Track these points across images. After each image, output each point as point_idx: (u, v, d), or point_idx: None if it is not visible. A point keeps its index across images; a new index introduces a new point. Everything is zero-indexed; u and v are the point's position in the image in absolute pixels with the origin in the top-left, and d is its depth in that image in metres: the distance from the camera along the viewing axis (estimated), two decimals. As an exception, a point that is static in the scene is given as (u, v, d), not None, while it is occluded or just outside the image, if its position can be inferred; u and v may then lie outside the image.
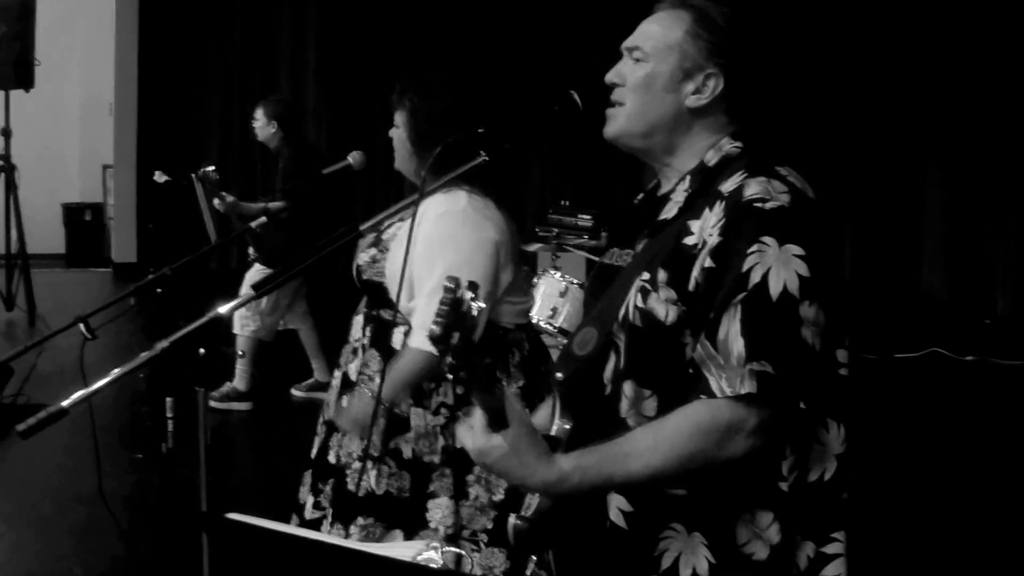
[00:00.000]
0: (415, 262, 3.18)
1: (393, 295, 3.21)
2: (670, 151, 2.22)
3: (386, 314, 3.34)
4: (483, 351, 1.79)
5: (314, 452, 3.51)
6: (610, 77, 2.24)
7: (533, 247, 7.75)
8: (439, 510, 3.25)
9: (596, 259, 7.40)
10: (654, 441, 1.96)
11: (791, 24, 9.27)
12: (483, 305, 1.74)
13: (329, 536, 3.16)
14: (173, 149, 10.95)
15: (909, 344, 8.47)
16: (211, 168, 6.96)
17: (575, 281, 6.02)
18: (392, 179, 7.80)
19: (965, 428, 6.83)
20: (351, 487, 3.30)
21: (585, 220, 8.76)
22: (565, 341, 6.40)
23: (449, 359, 1.74)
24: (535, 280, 6.25)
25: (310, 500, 3.44)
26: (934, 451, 6.29)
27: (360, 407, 3.26)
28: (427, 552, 1.83)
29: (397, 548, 1.94)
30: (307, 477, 3.52)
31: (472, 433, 1.95)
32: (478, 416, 1.93)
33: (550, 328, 5.81)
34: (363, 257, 3.35)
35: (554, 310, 5.92)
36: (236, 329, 6.91)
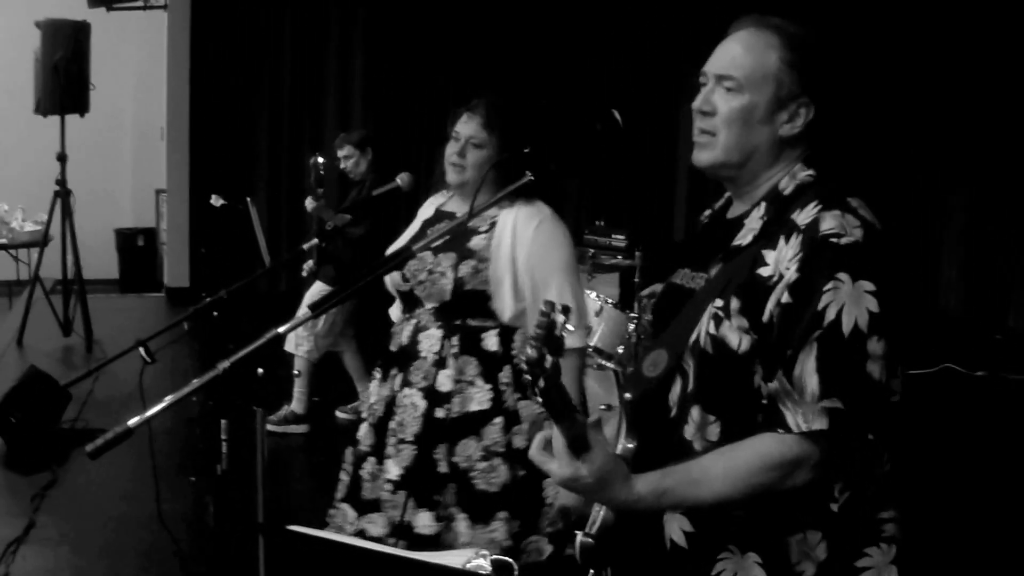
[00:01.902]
0: (528, 269, 3.46)
1: (498, 300, 3.49)
2: (755, 178, 2.24)
3: (474, 321, 3.52)
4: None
5: (398, 472, 3.55)
6: (700, 105, 2.22)
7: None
8: (554, 487, 3.44)
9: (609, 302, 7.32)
10: (724, 471, 2.03)
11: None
12: (572, 328, 1.80)
13: (384, 546, 3.22)
14: (225, 174, 11.05)
15: (923, 360, 8.45)
16: (322, 160, 7.00)
17: (610, 301, 6.04)
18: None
19: (976, 442, 6.88)
20: (483, 487, 3.47)
21: (619, 240, 8.80)
22: (600, 360, 6.41)
23: (541, 382, 1.80)
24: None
25: (425, 515, 3.51)
26: (946, 465, 6.31)
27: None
28: (476, 560, 1.87)
29: (447, 556, 1.99)
30: (400, 497, 3.54)
31: (556, 461, 2.00)
32: (559, 441, 1.98)
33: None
34: (463, 269, 3.49)
35: (588, 329, 5.94)
36: (290, 348, 6.94)
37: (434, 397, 3.51)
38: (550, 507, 3.49)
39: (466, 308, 3.51)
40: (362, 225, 6.55)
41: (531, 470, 3.40)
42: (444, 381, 3.50)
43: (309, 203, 6.98)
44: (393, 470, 3.56)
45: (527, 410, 3.50)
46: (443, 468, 3.49)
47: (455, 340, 3.51)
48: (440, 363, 3.51)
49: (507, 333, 3.53)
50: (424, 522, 3.50)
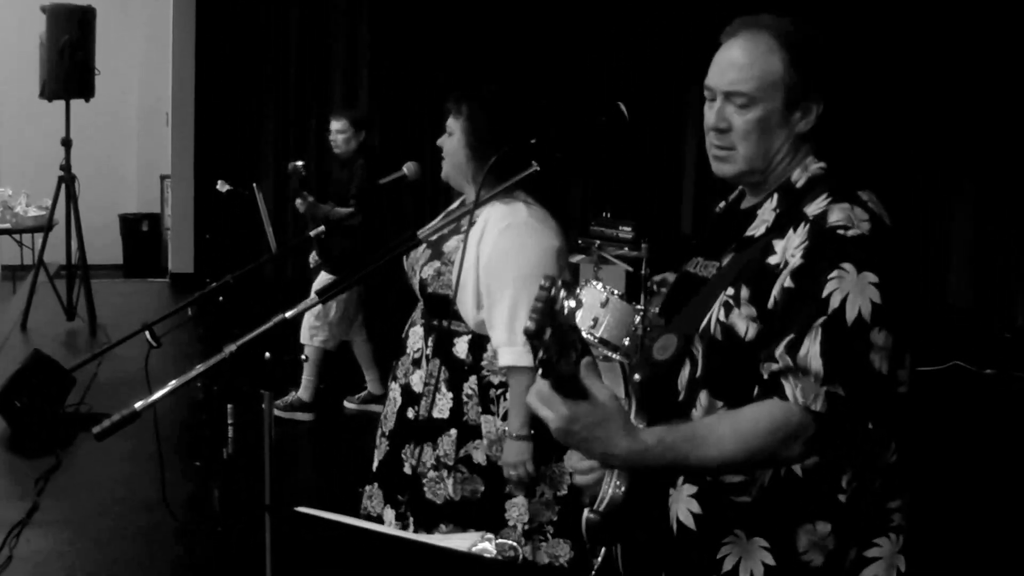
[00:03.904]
0: (486, 275, 3.31)
1: (461, 306, 3.34)
2: (774, 173, 2.25)
3: (450, 324, 3.42)
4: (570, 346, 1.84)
5: (376, 464, 3.58)
6: (715, 123, 2.22)
7: (575, 258, 7.80)
8: (516, 509, 3.39)
9: (630, 269, 7.30)
10: (731, 431, 2.04)
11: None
12: (572, 305, 1.80)
13: (391, 528, 3.24)
14: (230, 160, 11.07)
15: (931, 357, 8.45)
16: (300, 164, 6.97)
17: (616, 292, 6.04)
18: (442, 188, 7.91)
19: (984, 439, 6.91)
20: (429, 496, 3.40)
21: (625, 232, 8.82)
22: (606, 351, 6.37)
23: (541, 354, 1.78)
24: (577, 291, 6.25)
25: (390, 512, 3.50)
26: (954, 462, 6.32)
27: (514, 454, 3.33)
28: (481, 543, 1.88)
29: (452, 539, 2.00)
30: (374, 490, 3.58)
31: (550, 403, 1.91)
32: (545, 385, 1.90)
33: (591, 338, 5.80)
34: (427, 271, 3.41)
35: (595, 320, 5.91)
36: (304, 339, 6.93)
37: (409, 396, 3.48)
38: (512, 529, 3.38)
39: (440, 309, 3.42)
40: (359, 215, 6.52)
41: (491, 488, 3.35)
42: (416, 381, 3.46)
43: (300, 205, 6.96)
44: (375, 462, 3.58)
45: (489, 425, 3.38)
46: (407, 469, 3.45)
47: (431, 340, 3.44)
48: (417, 362, 3.47)
49: (478, 340, 3.40)
50: (388, 518, 3.49)
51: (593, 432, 1.94)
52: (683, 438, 2.04)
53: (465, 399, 3.39)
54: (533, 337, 1.77)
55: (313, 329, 6.91)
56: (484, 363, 3.39)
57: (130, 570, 4.88)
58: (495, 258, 3.31)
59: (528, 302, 3.22)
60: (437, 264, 3.40)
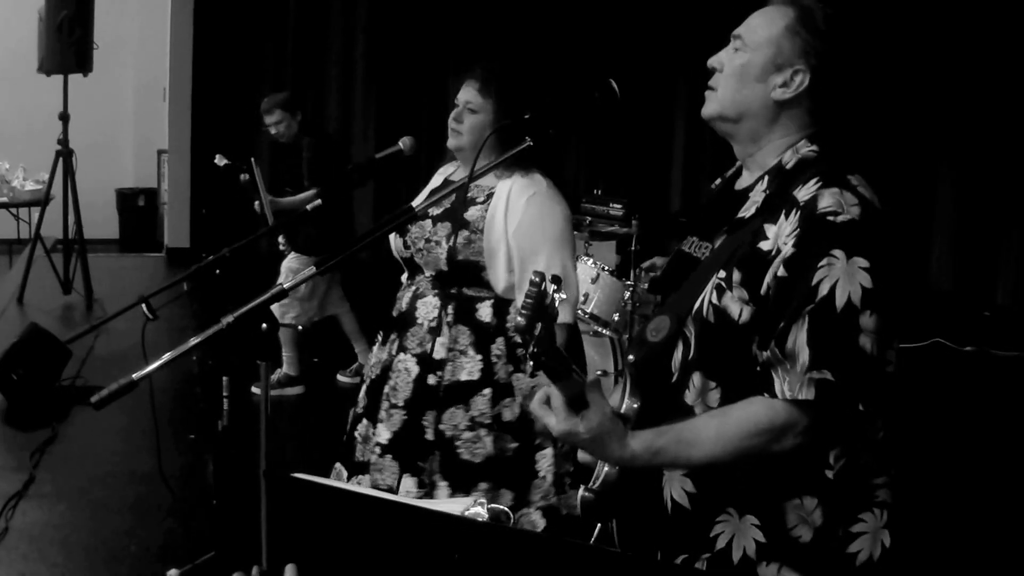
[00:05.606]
0: (517, 240, 3.46)
1: (492, 272, 3.50)
2: (755, 140, 2.29)
3: (470, 291, 3.54)
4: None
5: (388, 436, 3.59)
6: (710, 62, 2.31)
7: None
8: (546, 459, 3.54)
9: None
10: (716, 434, 2.11)
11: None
12: (564, 296, 1.83)
13: (386, 493, 3.28)
14: (227, 135, 11.05)
15: (913, 335, 8.51)
16: (229, 162, 7.01)
17: (606, 268, 6.06)
18: (435, 166, 7.90)
19: (964, 415, 7.00)
20: (466, 456, 3.50)
21: (616, 209, 8.84)
22: (596, 327, 6.39)
23: (532, 348, 1.85)
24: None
25: (409, 481, 3.54)
26: (935, 437, 6.39)
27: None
28: (474, 507, 1.91)
29: (446, 504, 2.02)
30: (385, 462, 3.59)
31: (555, 416, 2.08)
32: (557, 399, 2.06)
33: (581, 313, 5.83)
34: (457, 239, 3.51)
35: (585, 296, 5.95)
36: (276, 316, 6.88)
37: (427, 364, 3.53)
38: (543, 480, 3.52)
39: (462, 277, 3.53)
40: (320, 197, 6.52)
41: (523, 443, 3.48)
42: (438, 349, 3.53)
43: (257, 206, 6.95)
44: (383, 434, 3.59)
45: (520, 383, 3.52)
46: (430, 435, 3.51)
47: (450, 308, 3.54)
48: (435, 330, 3.54)
49: (501, 304, 3.54)
50: (407, 487, 3.53)
51: (588, 443, 2.10)
52: (669, 442, 2.12)
53: (495, 359, 3.52)
54: (524, 332, 1.82)
55: (283, 307, 6.82)
56: (509, 324, 3.54)
57: (125, 542, 4.89)
58: (526, 224, 3.47)
59: (560, 263, 3.44)
60: (466, 233, 3.51)
